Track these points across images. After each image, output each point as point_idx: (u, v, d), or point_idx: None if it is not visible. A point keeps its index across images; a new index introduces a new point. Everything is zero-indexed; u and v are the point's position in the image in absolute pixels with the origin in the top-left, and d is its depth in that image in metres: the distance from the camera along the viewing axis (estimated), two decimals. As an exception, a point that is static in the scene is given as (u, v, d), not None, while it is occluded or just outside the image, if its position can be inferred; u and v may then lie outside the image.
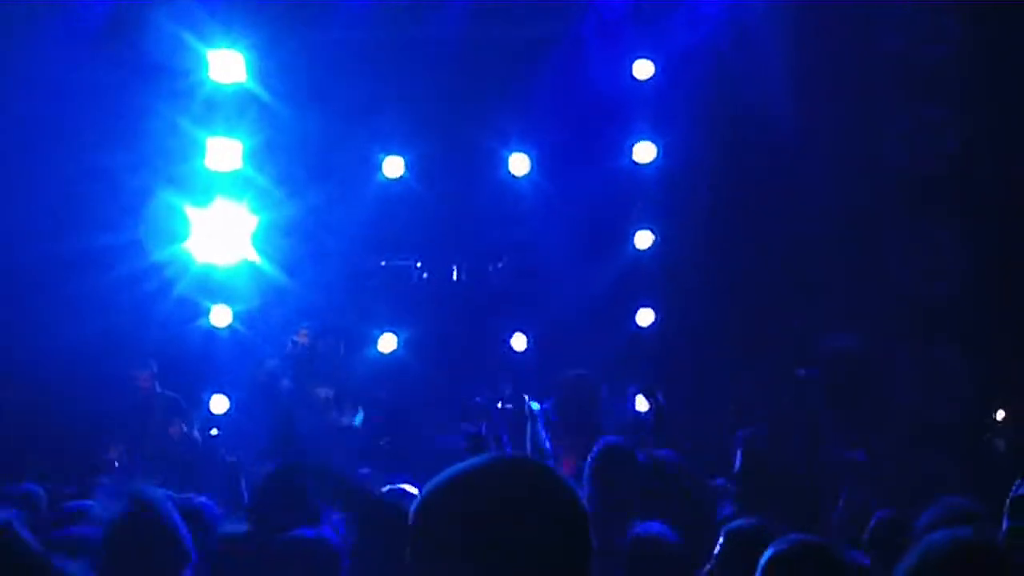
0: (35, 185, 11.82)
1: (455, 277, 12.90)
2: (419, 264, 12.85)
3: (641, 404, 11.66)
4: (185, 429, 10.67)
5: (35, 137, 11.56)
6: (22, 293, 11.90)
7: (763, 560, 3.95)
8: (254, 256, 12.33)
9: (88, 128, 11.64)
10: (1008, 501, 4.95)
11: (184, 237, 12.26)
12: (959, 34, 12.10)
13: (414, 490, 6.45)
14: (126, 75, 11.68)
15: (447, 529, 2.13)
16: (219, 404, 11.86)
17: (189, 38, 12.01)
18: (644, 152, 12.14)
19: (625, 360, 11.93)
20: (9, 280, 11.85)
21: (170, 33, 11.91)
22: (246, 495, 9.29)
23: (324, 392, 11.15)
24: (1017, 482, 5.04)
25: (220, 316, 12.26)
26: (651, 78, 12.08)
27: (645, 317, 12.03)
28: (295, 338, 11.26)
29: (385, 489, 6.52)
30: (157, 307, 12.12)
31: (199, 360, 12.05)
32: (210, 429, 11.90)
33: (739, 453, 8.55)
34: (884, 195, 12.52)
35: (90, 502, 5.84)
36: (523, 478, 2.18)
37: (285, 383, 11.24)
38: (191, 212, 12.22)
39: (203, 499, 5.57)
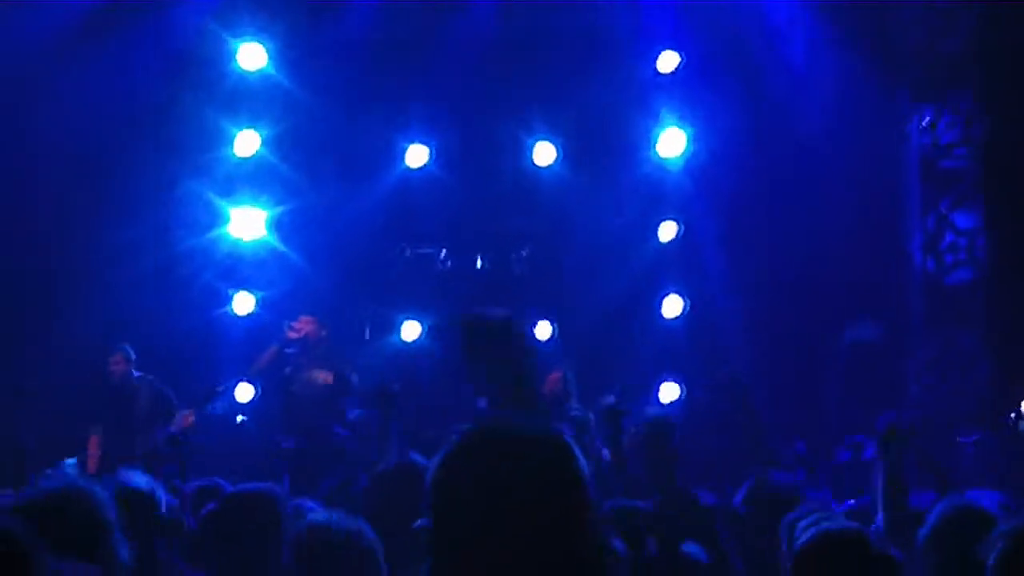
0: (60, 173, 11.88)
1: (479, 266, 12.90)
2: (443, 252, 12.85)
3: (667, 395, 11.75)
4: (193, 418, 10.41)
5: (62, 126, 11.59)
6: (47, 282, 11.97)
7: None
8: (278, 244, 12.39)
9: (115, 116, 11.68)
10: None
11: (210, 226, 12.33)
12: (974, 26, 12.12)
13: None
14: (153, 63, 11.73)
15: (461, 493, 2.17)
16: (245, 392, 11.92)
17: (215, 28, 12.05)
18: (669, 143, 12.13)
19: (650, 350, 11.97)
20: (36, 269, 11.92)
21: (197, 22, 11.96)
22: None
23: (323, 376, 11.13)
24: None
25: (242, 303, 12.33)
26: (677, 69, 12.07)
27: (671, 307, 12.03)
28: (293, 325, 11.20)
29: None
30: (183, 295, 12.20)
31: (224, 347, 12.09)
32: (236, 416, 12.00)
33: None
34: (910, 181, 12.55)
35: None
36: (524, 444, 2.20)
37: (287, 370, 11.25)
38: (217, 201, 12.29)
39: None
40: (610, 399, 8.52)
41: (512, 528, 2.14)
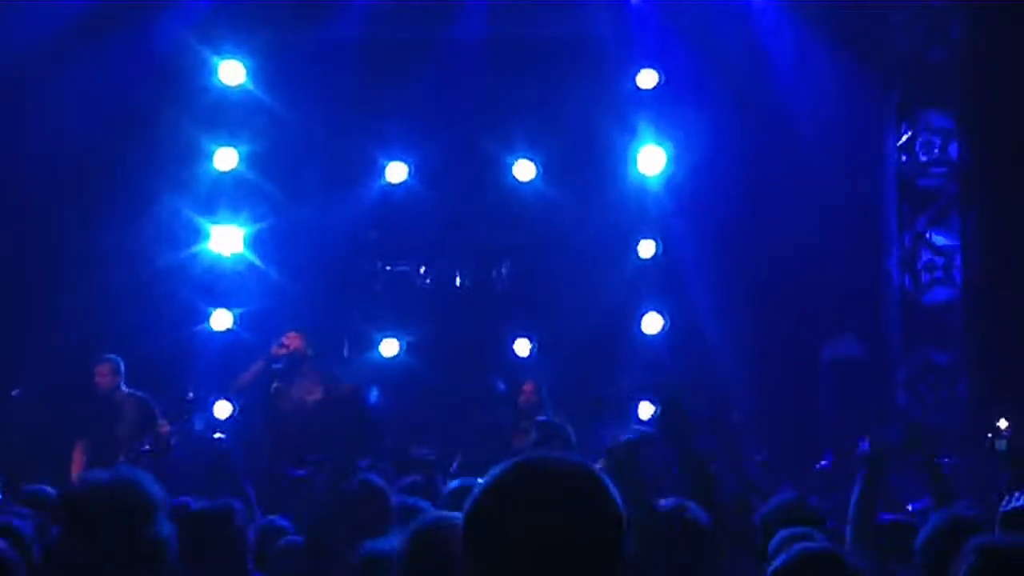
0: (40, 180, 11.78)
1: (458, 282, 12.90)
2: (423, 269, 12.83)
3: (646, 412, 11.73)
4: (168, 428, 10.35)
5: (41, 134, 11.53)
6: (25, 288, 11.90)
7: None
8: (257, 261, 12.35)
9: (96, 126, 11.63)
10: (998, 516, 4.93)
11: (189, 241, 12.28)
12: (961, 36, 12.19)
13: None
14: (134, 76, 11.69)
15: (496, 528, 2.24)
16: (223, 409, 11.85)
17: (195, 43, 12.03)
18: (649, 160, 12.15)
19: (630, 365, 11.97)
20: (14, 275, 11.85)
21: (177, 37, 11.94)
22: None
23: (312, 393, 11.07)
24: (1007, 498, 5.03)
25: (220, 320, 12.27)
26: (657, 86, 12.10)
27: (652, 324, 12.02)
28: (283, 341, 11.14)
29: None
30: (161, 310, 12.14)
31: (202, 364, 12.02)
32: (214, 433, 11.92)
33: None
34: (888, 199, 12.61)
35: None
36: (566, 480, 2.27)
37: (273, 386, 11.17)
38: (196, 217, 12.24)
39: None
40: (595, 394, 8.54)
41: (551, 563, 2.20)
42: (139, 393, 10.65)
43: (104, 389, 10.61)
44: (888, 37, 12.35)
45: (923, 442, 6.25)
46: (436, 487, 8.84)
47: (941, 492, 6.11)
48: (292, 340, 11.07)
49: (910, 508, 8.40)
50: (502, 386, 11.19)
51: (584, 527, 2.22)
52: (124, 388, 10.67)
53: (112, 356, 10.69)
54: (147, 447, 10.03)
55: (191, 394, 10.51)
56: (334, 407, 10.97)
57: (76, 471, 10.36)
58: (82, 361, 10.90)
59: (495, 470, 2.31)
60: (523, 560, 2.19)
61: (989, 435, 11.40)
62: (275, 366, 11.13)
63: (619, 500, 2.28)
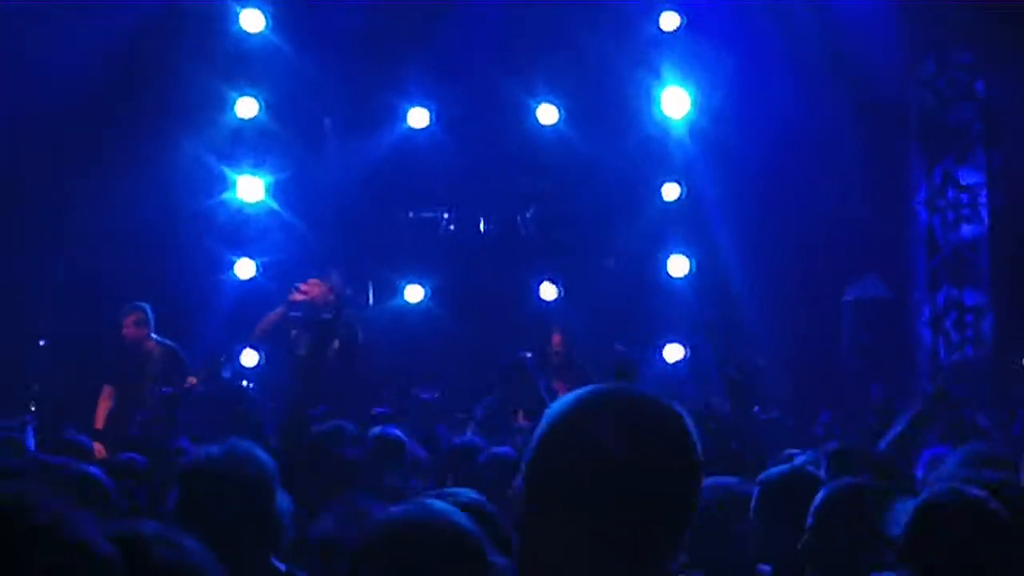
0: (62, 130, 11.73)
1: (482, 228, 12.87)
2: (446, 215, 12.80)
3: (672, 355, 11.76)
4: (196, 379, 10.33)
5: (63, 86, 11.47)
6: (50, 240, 11.89)
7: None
8: (280, 209, 12.32)
9: (115, 78, 11.58)
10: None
11: (211, 190, 12.26)
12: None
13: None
14: (154, 23, 11.62)
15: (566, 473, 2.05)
16: (250, 358, 11.89)
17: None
18: (672, 103, 12.08)
19: (656, 310, 11.97)
20: (37, 226, 11.85)
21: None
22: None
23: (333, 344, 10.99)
24: None
25: (244, 269, 12.26)
26: (679, 28, 12.00)
27: (677, 267, 12.00)
28: (300, 288, 10.99)
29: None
30: (184, 258, 12.15)
31: (227, 312, 12.03)
32: (241, 381, 11.96)
33: None
34: (909, 140, 12.56)
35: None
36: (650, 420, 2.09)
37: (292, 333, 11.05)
38: (218, 165, 12.22)
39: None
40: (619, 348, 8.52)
41: (621, 507, 2.04)
42: (168, 343, 10.62)
43: (131, 338, 10.56)
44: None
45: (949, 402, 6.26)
46: (435, 436, 8.88)
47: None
48: (312, 287, 10.94)
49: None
50: (528, 355, 11.03)
51: (663, 472, 2.06)
52: (154, 337, 10.63)
53: (140, 304, 10.61)
54: (168, 390, 10.07)
55: (223, 357, 10.52)
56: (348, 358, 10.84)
57: (100, 419, 10.39)
58: (107, 309, 10.89)
59: (569, 397, 2.12)
60: (586, 502, 2.03)
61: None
62: (293, 313, 11.04)
63: (699, 445, 2.11)
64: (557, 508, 2.06)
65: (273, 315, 11.15)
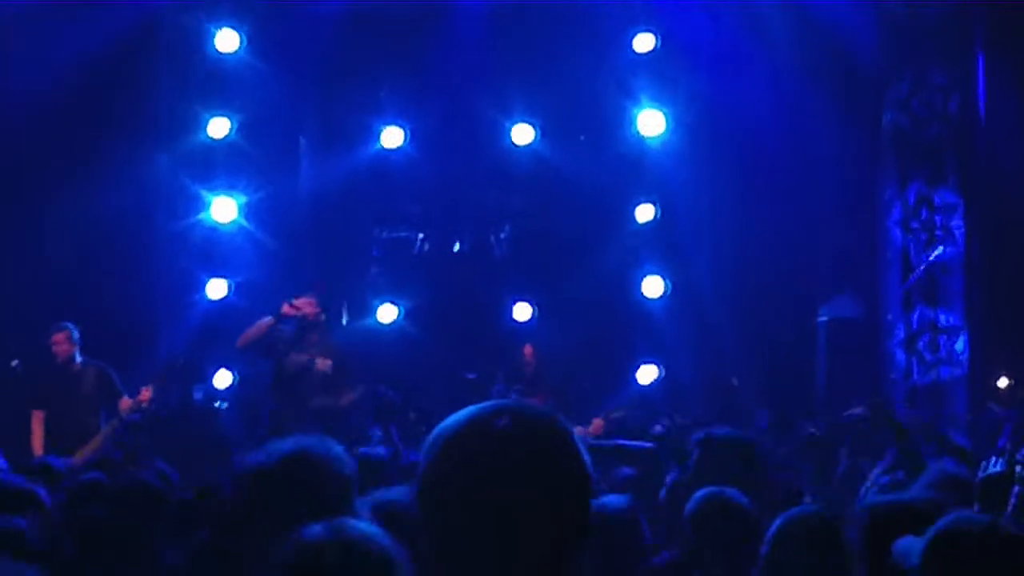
0: (32, 146, 11.66)
1: (457, 247, 12.86)
2: (421, 235, 12.79)
3: (645, 377, 11.74)
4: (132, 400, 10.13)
5: (35, 105, 11.40)
6: (21, 257, 11.81)
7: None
8: (253, 229, 12.28)
9: (89, 97, 11.54)
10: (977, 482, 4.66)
11: (185, 210, 12.22)
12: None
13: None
14: (129, 43, 11.58)
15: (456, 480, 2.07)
16: (223, 379, 11.84)
17: (192, 9, 11.94)
18: (648, 123, 12.08)
19: (630, 330, 11.96)
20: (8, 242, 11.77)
21: (174, 3, 11.85)
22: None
23: (322, 363, 10.89)
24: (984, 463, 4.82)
25: (215, 289, 12.19)
26: (654, 49, 12.01)
27: (652, 288, 11.99)
28: (293, 302, 10.88)
29: None
30: (159, 279, 12.10)
31: (201, 332, 11.97)
32: (213, 403, 11.91)
33: None
34: (883, 160, 12.57)
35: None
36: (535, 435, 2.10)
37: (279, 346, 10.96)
38: (192, 185, 12.18)
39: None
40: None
41: (512, 513, 2.04)
42: (97, 362, 10.37)
43: (61, 358, 10.34)
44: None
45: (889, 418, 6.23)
46: (394, 439, 8.79)
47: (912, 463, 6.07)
48: (304, 304, 10.83)
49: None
50: (471, 376, 11.01)
51: (549, 487, 2.05)
52: (79, 357, 10.34)
53: (66, 324, 10.34)
54: (135, 416, 9.93)
55: (179, 361, 10.38)
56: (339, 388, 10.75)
57: (35, 443, 10.22)
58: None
59: (460, 412, 2.13)
60: (480, 518, 2.03)
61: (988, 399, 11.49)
62: (282, 326, 10.94)
63: (586, 457, 2.11)
64: (447, 523, 2.07)
65: (263, 324, 11.00)
